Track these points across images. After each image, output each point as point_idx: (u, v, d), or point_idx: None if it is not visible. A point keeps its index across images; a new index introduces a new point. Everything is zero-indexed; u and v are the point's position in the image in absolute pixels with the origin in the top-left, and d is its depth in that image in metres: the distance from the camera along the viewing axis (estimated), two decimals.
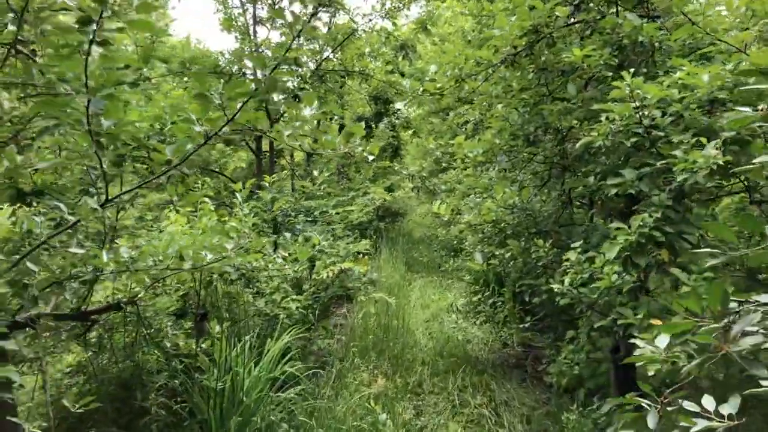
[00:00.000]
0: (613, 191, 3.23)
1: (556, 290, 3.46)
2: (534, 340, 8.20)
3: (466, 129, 6.82)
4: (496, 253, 4.37)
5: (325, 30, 8.13)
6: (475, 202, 5.04)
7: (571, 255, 3.51)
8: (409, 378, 6.38)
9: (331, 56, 7.54)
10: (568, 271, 3.56)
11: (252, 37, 7.65)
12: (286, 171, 8.13)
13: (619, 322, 3.45)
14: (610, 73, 3.68)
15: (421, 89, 5.42)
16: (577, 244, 3.58)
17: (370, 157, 2.43)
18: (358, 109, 14.87)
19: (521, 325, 7.48)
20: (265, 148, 9.41)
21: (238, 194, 4.72)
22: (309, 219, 6.48)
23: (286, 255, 4.70)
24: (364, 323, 6.66)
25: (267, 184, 7.18)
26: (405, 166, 10.64)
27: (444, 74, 4.31)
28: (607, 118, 3.32)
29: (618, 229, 3.12)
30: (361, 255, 6.34)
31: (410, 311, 9.80)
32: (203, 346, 4.06)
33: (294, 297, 5.49)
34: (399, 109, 13.43)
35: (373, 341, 6.90)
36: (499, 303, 7.63)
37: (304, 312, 5.73)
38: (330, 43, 7.81)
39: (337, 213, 6.51)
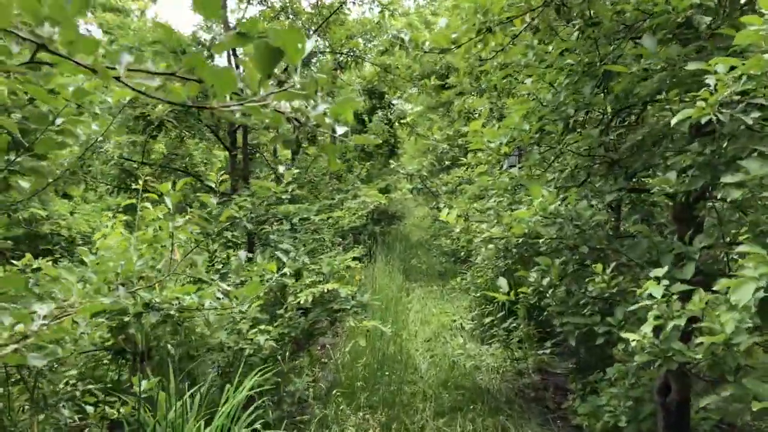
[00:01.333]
0: (736, 194, 2.00)
1: (633, 344, 2.23)
2: (552, 365, 6.98)
3: (478, 116, 5.65)
4: (530, 278, 3.14)
5: (309, 7, 6.92)
6: (494, 208, 3.82)
7: (653, 288, 2.29)
8: (408, 420, 5.15)
9: (317, 38, 6.40)
10: (644, 308, 2.34)
11: (223, 12, 6.45)
12: (266, 170, 6.93)
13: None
14: (708, 20, 2.45)
15: (427, 44, 4.20)
16: (659, 271, 2.35)
17: (340, 130, 1.21)
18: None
19: (540, 352, 6.25)
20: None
21: (212, 199, 3.47)
22: (290, 227, 5.24)
23: (230, 289, 3.45)
24: (353, 358, 5.43)
25: (248, 186, 5.94)
26: (401, 165, 9.45)
27: (460, 21, 3.09)
28: (715, 84, 2.09)
29: (748, 255, 1.89)
30: (353, 265, 5.11)
31: (408, 327, 8.58)
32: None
33: (263, 328, 4.26)
34: (394, 104, 12.19)
35: (364, 376, 5.67)
36: (513, 325, 6.42)
37: (277, 345, 4.50)
38: (315, 18, 6.62)
39: (321, 220, 5.26)
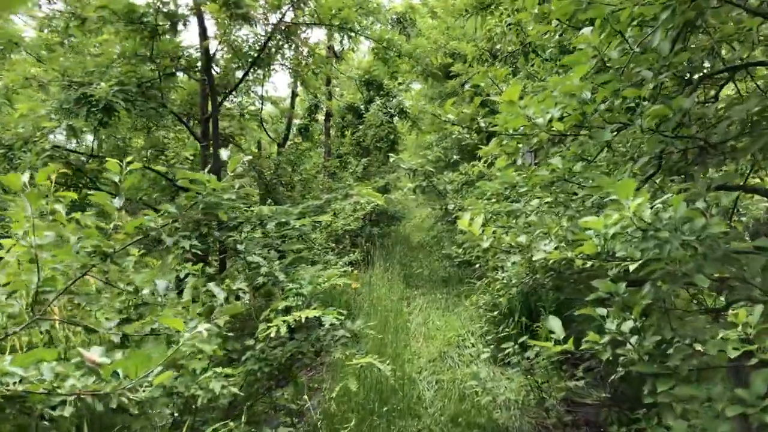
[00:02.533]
0: None
1: None
2: (580, 394, 5.84)
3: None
4: (604, 321, 2.00)
5: None
6: (538, 212, 2.71)
7: None
8: None
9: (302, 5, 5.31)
10: None
11: None
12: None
13: None
14: None
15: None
16: None
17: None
18: (348, 96, 12.49)
19: (572, 383, 5.12)
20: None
21: (115, 201, 2.35)
22: (264, 234, 4.11)
23: (100, 361, 2.26)
24: (340, 409, 4.30)
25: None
26: (401, 160, 8.33)
27: None
28: None
29: None
30: (340, 284, 3.98)
31: (410, 345, 7.46)
32: None
33: (219, 371, 3.14)
34: (394, 96, 11.03)
35: (358, 409, 4.55)
36: (534, 348, 5.30)
37: (243, 393, 3.39)
38: None
39: (304, 225, 4.13)
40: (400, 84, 10.93)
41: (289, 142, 8.19)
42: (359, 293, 9.31)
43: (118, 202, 1.86)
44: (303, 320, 3.30)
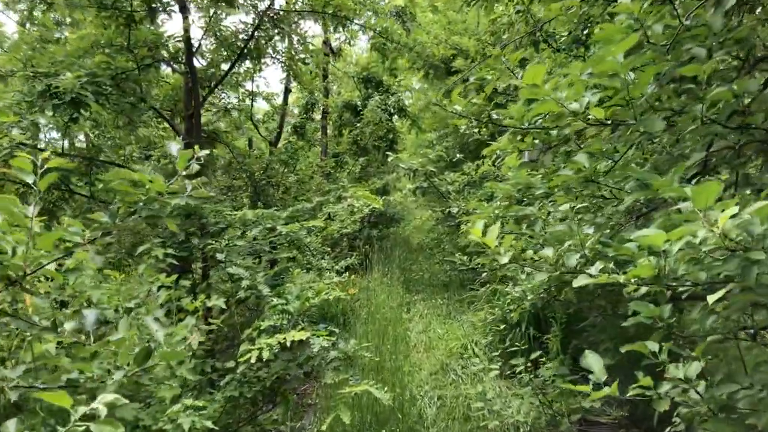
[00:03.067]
0: None
1: None
2: (593, 410, 5.38)
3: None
4: (670, 369, 1.55)
5: None
6: (566, 219, 2.26)
7: None
8: None
9: None
10: None
11: None
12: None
13: None
14: None
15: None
16: None
17: None
18: (345, 94, 12.02)
19: (587, 404, 4.65)
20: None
21: None
22: (250, 240, 3.65)
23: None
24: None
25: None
26: (400, 159, 7.87)
27: None
28: None
29: None
30: (331, 298, 3.50)
31: (410, 356, 7.01)
32: None
33: (191, 404, 2.68)
34: (393, 93, 10.56)
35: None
36: (545, 364, 4.83)
37: (219, 419, 2.94)
38: None
39: (293, 231, 3.66)
40: (399, 81, 10.46)
41: (283, 141, 7.72)
42: (357, 299, 8.85)
43: (31, 209, 1.40)
44: (287, 343, 2.84)
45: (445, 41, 9.55)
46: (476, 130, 3.10)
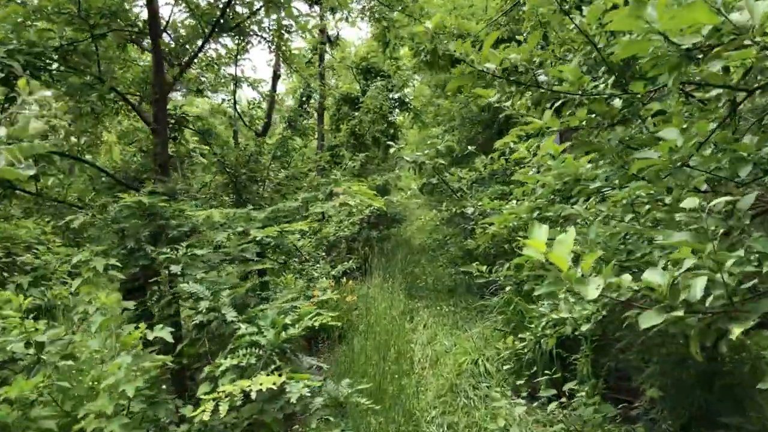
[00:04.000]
0: None
1: None
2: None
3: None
4: None
5: None
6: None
7: None
8: None
9: None
10: None
11: None
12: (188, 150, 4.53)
13: None
14: None
15: None
16: None
17: None
18: (344, 86, 11.20)
19: None
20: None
21: None
22: (214, 248, 2.85)
23: None
24: None
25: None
26: (402, 151, 7.09)
27: None
28: None
29: None
30: (317, 324, 2.69)
31: (414, 372, 6.20)
32: None
33: None
34: (394, 84, 9.74)
35: None
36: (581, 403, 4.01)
37: None
38: None
39: (270, 236, 2.85)
40: (399, 66, 9.61)
41: (276, 136, 6.89)
42: (355, 307, 8.05)
43: None
44: (253, 391, 2.04)
45: (451, 26, 8.73)
46: (508, 104, 2.28)
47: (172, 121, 4.35)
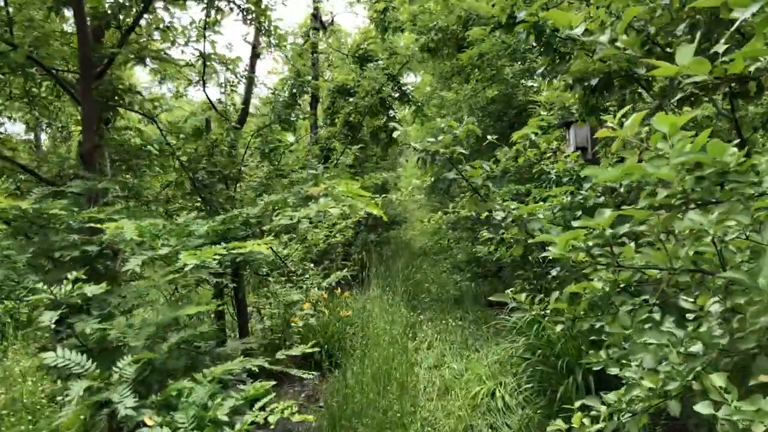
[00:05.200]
0: None
1: None
2: None
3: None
4: None
5: None
6: None
7: None
8: None
9: None
10: None
11: None
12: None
13: None
14: None
15: None
16: None
17: None
18: (339, 77, 10.14)
19: None
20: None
21: None
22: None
23: None
24: None
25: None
26: (410, 139, 6.08)
27: None
28: None
29: None
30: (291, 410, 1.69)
31: (419, 405, 5.15)
32: None
33: None
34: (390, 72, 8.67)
35: None
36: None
37: None
38: None
39: (201, 261, 1.81)
40: (394, 56, 8.53)
41: (253, 126, 5.79)
42: (351, 322, 7.00)
43: None
44: None
45: (457, 6, 7.68)
46: (604, 38, 1.24)
47: (105, 96, 3.30)
